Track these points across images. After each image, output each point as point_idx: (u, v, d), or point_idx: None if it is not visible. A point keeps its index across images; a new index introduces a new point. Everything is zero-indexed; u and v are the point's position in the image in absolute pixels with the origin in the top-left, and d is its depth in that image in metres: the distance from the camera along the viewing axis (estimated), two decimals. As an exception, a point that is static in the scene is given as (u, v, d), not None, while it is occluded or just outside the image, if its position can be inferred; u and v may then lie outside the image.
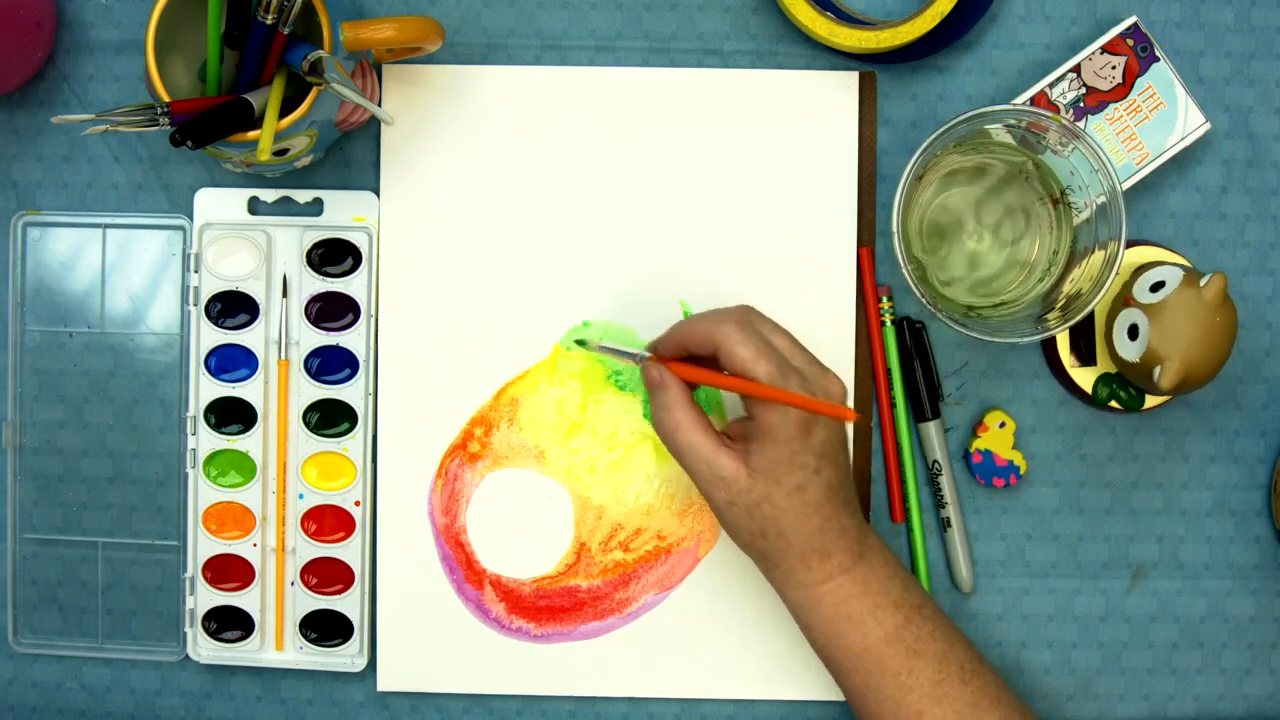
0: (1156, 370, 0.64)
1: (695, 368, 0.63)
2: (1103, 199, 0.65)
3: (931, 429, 0.71)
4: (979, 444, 0.71)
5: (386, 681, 0.72)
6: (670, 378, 0.63)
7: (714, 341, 0.62)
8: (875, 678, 0.63)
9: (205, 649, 0.71)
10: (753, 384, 0.60)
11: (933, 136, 0.64)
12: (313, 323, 0.71)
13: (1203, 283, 0.64)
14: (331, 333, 0.71)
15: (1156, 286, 0.65)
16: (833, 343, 0.71)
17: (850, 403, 0.66)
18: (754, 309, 0.64)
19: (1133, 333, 0.65)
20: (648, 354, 0.65)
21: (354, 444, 0.71)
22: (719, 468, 0.61)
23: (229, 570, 0.71)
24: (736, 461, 0.61)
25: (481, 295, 0.71)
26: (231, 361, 0.71)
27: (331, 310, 0.71)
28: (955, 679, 0.63)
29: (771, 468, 0.61)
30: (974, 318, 0.68)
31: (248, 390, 0.71)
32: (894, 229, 0.64)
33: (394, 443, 0.71)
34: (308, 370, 0.71)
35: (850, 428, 0.71)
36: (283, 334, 0.71)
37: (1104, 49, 0.69)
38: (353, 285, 0.71)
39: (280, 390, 0.71)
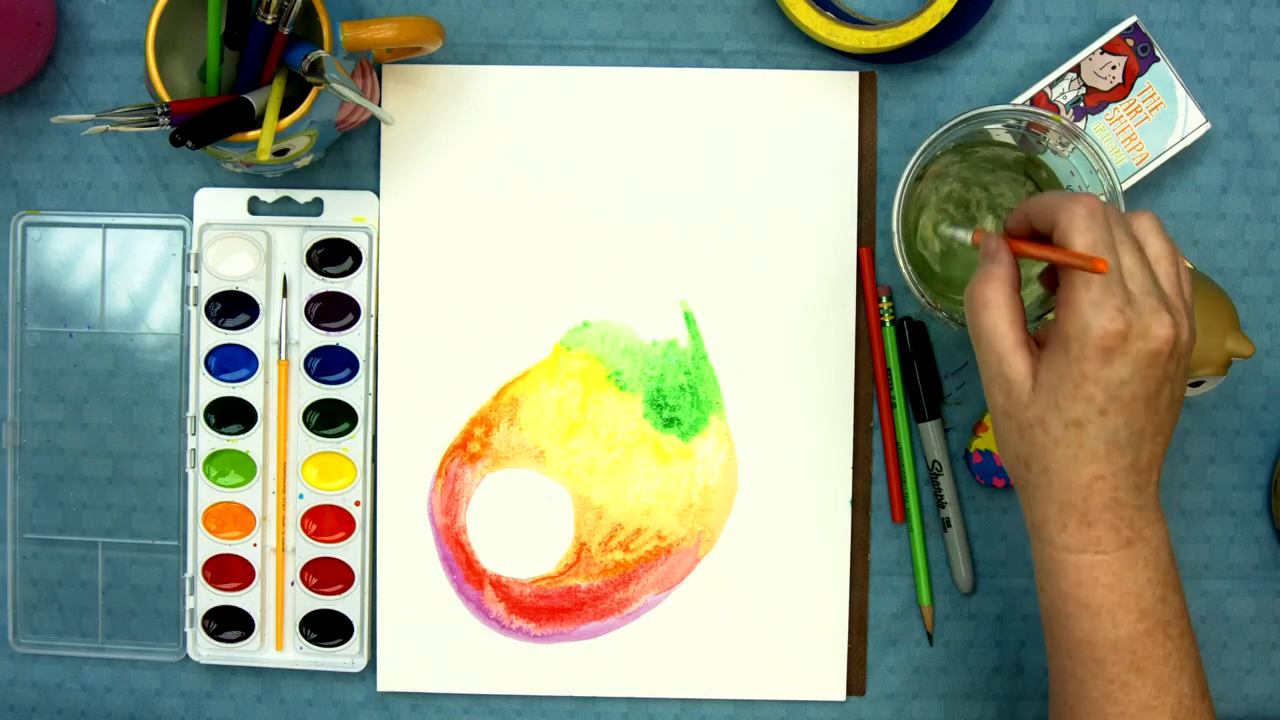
0: (1200, 373, 0.65)
1: (1027, 242, 0.56)
2: (1103, 199, 0.65)
3: (931, 429, 0.71)
4: (979, 444, 0.71)
5: (386, 681, 0.72)
6: (1005, 253, 0.57)
7: (1053, 218, 0.55)
8: (1087, 673, 0.57)
9: (205, 649, 0.71)
10: (1051, 248, 0.54)
11: (933, 136, 0.64)
12: (313, 323, 0.71)
13: None
14: (331, 333, 0.71)
15: None
16: (833, 343, 0.71)
17: (1014, 369, 0.56)
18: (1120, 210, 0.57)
19: None
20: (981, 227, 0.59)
21: (354, 444, 0.71)
22: (1008, 367, 0.55)
23: (229, 570, 0.71)
24: (1027, 367, 0.55)
25: (481, 295, 0.71)
26: (231, 361, 0.71)
27: (331, 310, 0.71)
28: (1167, 711, 0.56)
29: (1055, 385, 0.54)
30: (974, 318, 0.68)
31: (248, 390, 0.71)
32: (894, 229, 0.64)
33: (394, 443, 0.71)
34: (308, 370, 0.71)
35: (851, 428, 0.71)
36: (283, 334, 0.71)
37: (1104, 49, 0.69)
38: (353, 285, 0.71)
39: (280, 390, 0.71)
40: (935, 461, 0.71)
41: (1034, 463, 0.56)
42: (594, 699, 0.72)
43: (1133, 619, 0.56)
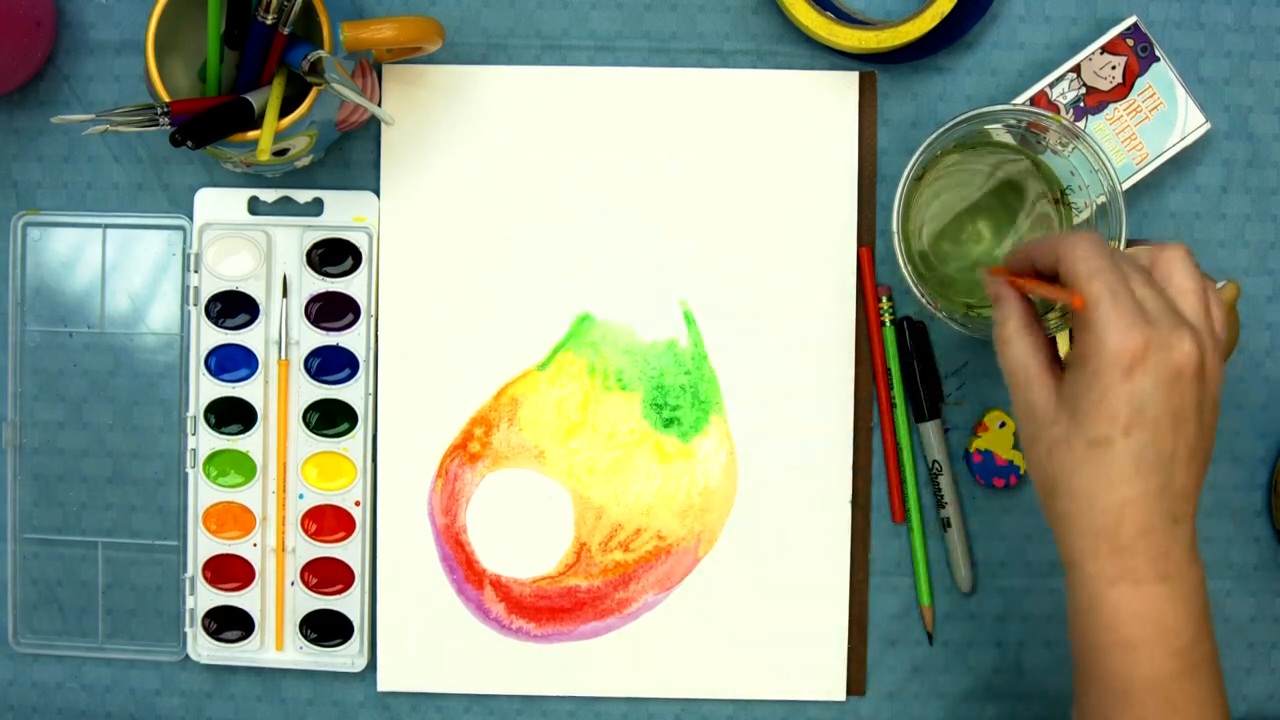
0: None
1: (1026, 278, 0.58)
2: (1103, 199, 0.65)
3: (931, 429, 0.71)
4: (979, 444, 0.71)
5: (386, 681, 0.72)
6: (1006, 291, 0.58)
7: (1056, 253, 0.55)
8: (1114, 709, 0.55)
9: (205, 649, 0.71)
10: (1041, 283, 0.55)
11: (933, 136, 0.64)
12: (313, 323, 0.71)
13: (1220, 286, 0.64)
14: (331, 333, 0.71)
15: None
16: (833, 343, 0.71)
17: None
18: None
19: None
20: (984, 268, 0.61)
21: (354, 444, 0.71)
22: (1032, 392, 0.55)
23: (229, 570, 0.71)
24: (1050, 390, 0.55)
25: (481, 295, 0.71)
26: (231, 361, 0.71)
27: (331, 310, 0.71)
28: None
29: (1076, 403, 0.53)
30: (974, 318, 0.68)
31: (248, 390, 0.71)
32: (894, 229, 0.64)
33: (394, 443, 0.71)
34: (308, 370, 0.71)
35: (851, 428, 0.71)
36: (283, 334, 0.71)
37: (1104, 49, 0.69)
38: (353, 285, 0.71)
39: (280, 390, 0.71)
40: (935, 461, 0.71)
41: (1060, 485, 0.54)
42: (594, 699, 0.72)
43: (1166, 657, 0.54)
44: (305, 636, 0.71)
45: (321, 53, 0.60)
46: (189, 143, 0.59)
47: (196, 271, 0.71)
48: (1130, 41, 0.69)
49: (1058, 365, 0.56)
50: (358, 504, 0.71)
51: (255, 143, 0.61)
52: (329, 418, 0.71)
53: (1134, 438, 0.53)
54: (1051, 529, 0.57)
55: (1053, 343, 0.58)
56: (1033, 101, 0.69)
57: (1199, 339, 0.53)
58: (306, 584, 0.71)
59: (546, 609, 0.72)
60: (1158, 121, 0.69)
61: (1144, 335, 0.52)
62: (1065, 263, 0.54)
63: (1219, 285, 0.64)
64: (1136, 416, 0.52)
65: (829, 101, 0.71)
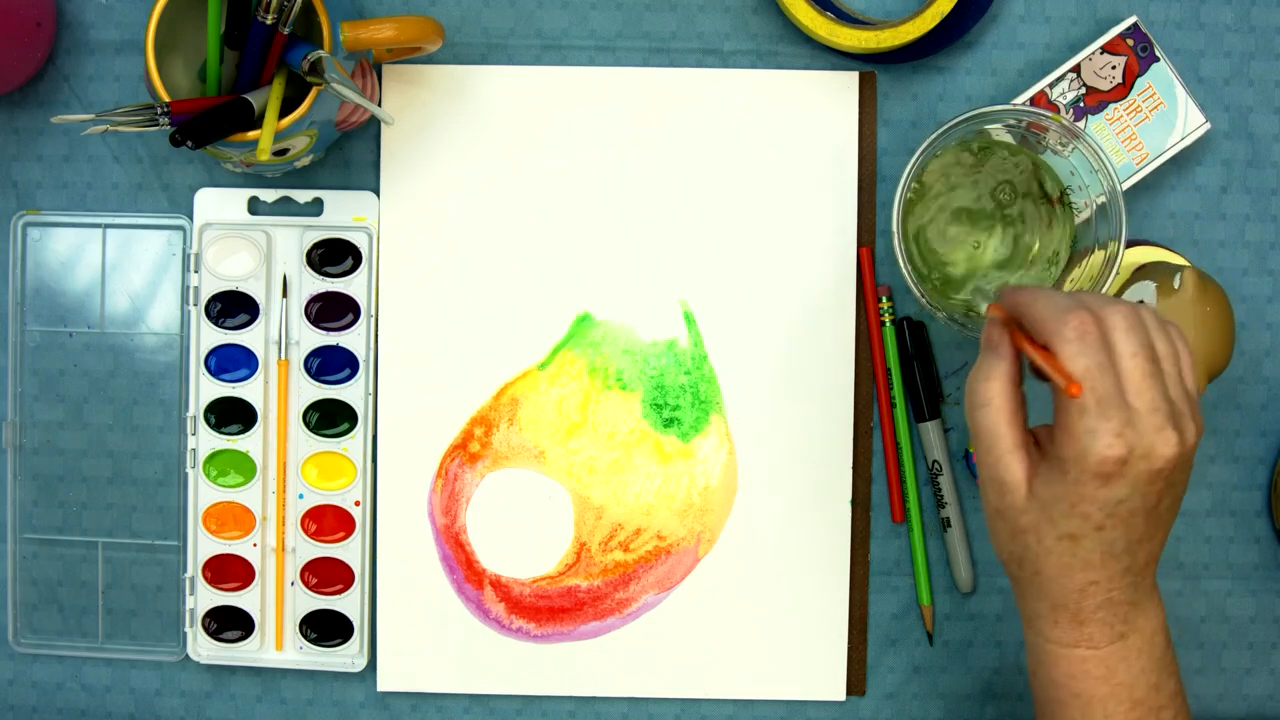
0: None
1: (1033, 345, 0.53)
2: (1103, 199, 0.65)
3: (931, 429, 0.71)
4: (979, 444, 0.71)
5: (386, 681, 0.72)
6: (1007, 347, 0.54)
7: (1044, 336, 0.53)
8: None
9: (205, 649, 0.71)
10: (1045, 355, 0.52)
11: (933, 136, 0.64)
12: (313, 323, 0.71)
13: (1176, 284, 0.64)
14: (331, 333, 0.71)
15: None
16: (833, 343, 0.71)
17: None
18: (1128, 309, 0.53)
19: None
20: (994, 301, 0.57)
21: (354, 444, 0.71)
22: (1004, 469, 0.53)
23: (229, 570, 0.71)
24: (1024, 473, 0.53)
25: (482, 295, 0.71)
26: (231, 361, 0.71)
27: (331, 310, 0.71)
28: None
29: (1051, 501, 0.52)
30: (974, 318, 0.68)
31: (248, 390, 0.71)
32: (894, 229, 0.64)
33: (394, 443, 0.71)
34: (308, 370, 0.71)
35: (851, 428, 0.71)
36: (283, 334, 0.71)
37: (1104, 49, 0.69)
38: (353, 285, 0.71)
39: (280, 390, 0.71)
40: (935, 461, 0.71)
41: (1025, 565, 0.55)
42: (594, 699, 0.72)
43: (1126, 709, 0.55)
44: (305, 636, 0.71)
45: (321, 53, 0.60)
46: (189, 143, 0.59)
47: (196, 271, 0.71)
48: (1130, 41, 0.69)
49: (1030, 436, 0.55)
50: (358, 504, 0.71)
51: (255, 143, 0.61)
52: (329, 418, 0.71)
53: (1106, 533, 0.52)
54: (1007, 574, 0.57)
55: (1024, 404, 0.55)
56: (1033, 101, 0.69)
57: (1182, 431, 0.52)
58: (306, 584, 0.71)
59: (546, 609, 0.72)
60: (1158, 121, 0.69)
61: (1127, 446, 0.51)
62: (1054, 346, 0.52)
63: (1176, 282, 0.64)
64: (1110, 517, 0.52)
65: (829, 101, 0.71)
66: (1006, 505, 0.54)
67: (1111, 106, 0.69)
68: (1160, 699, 0.56)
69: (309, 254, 0.71)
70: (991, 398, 0.54)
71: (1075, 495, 0.52)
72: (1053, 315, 0.53)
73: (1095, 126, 0.69)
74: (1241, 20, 0.71)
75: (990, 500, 0.55)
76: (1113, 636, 0.55)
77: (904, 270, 0.64)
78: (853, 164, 0.71)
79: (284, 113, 0.62)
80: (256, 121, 0.62)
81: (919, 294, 0.65)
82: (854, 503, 0.71)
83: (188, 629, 0.72)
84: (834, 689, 0.72)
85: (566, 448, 0.71)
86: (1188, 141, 0.69)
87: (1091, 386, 0.51)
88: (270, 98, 0.62)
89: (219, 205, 0.71)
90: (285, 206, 0.71)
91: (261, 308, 0.71)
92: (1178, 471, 0.53)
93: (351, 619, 0.71)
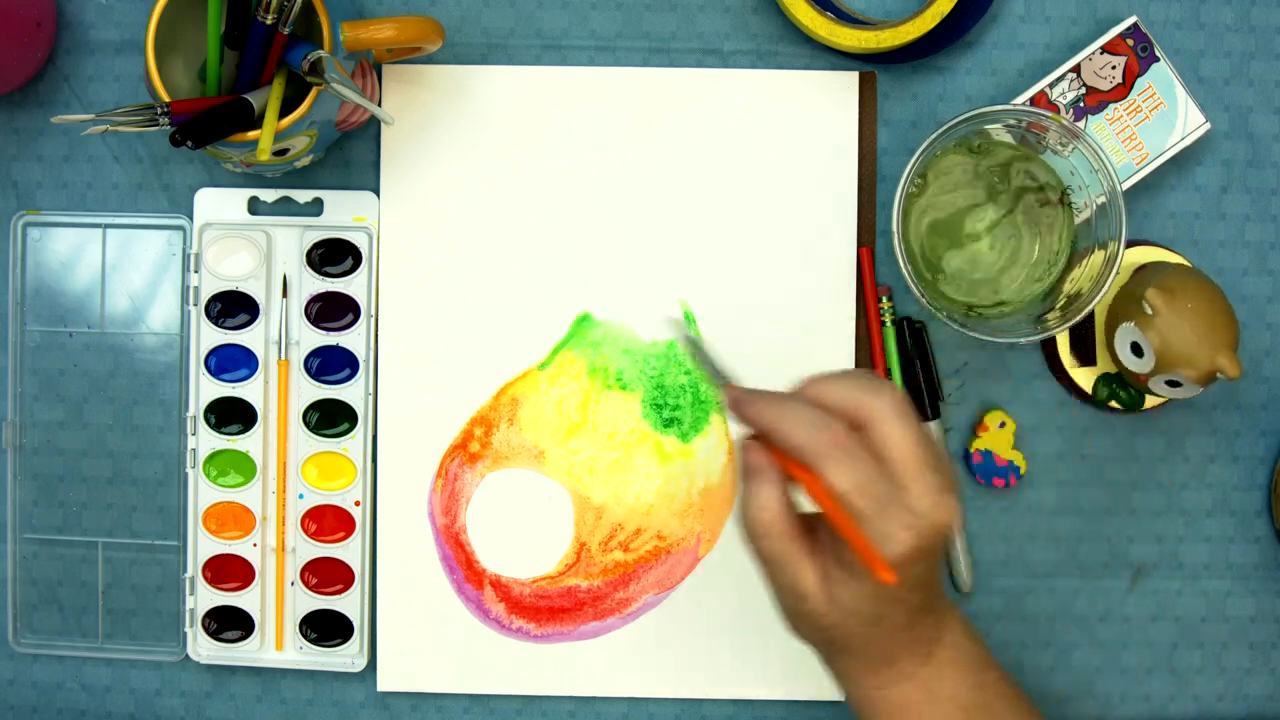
0: (1180, 374, 0.64)
1: (803, 470, 0.52)
2: (1103, 199, 0.65)
3: (931, 429, 0.71)
4: (979, 444, 0.71)
5: (386, 681, 0.72)
6: (773, 472, 0.53)
7: (808, 455, 0.52)
8: None
9: (205, 649, 0.71)
10: (847, 524, 0.52)
11: (933, 136, 0.64)
12: (313, 323, 0.71)
13: (1148, 310, 0.64)
14: (331, 333, 0.71)
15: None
16: (833, 343, 0.71)
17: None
18: (892, 396, 0.53)
19: (1136, 349, 0.65)
20: (734, 390, 0.56)
21: (354, 444, 0.71)
22: (799, 582, 0.54)
23: (229, 570, 0.71)
24: (819, 580, 0.53)
25: (482, 295, 0.71)
26: (231, 361, 0.71)
27: (331, 310, 0.71)
28: None
29: (854, 604, 0.53)
30: (974, 318, 0.68)
31: (248, 390, 0.71)
32: (894, 229, 0.64)
33: (394, 443, 0.71)
34: (308, 370, 0.71)
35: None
36: (283, 334, 0.71)
37: (1104, 49, 0.69)
38: (353, 285, 0.71)
39: (280, 390, 0.71)
40: (935, 461, 0.71)
41: (834, 645, 0.56)
42: (594, 699, 0.72)
43: (959, 717, 0.57)
44: (305, 636, 0.71)
45: (321, 53, 0.60)
46: (189, 143, 0.59)
47: (196, 271, 0.71)
48: (1130, 41, 0.69)
49: (811, 535, 0.54)
50: (358, 504, 0.71)
51: (255, 143, 0.61)
52: (329, 418, 0.71)
53: (907, 600, 0.54)
54: (810, 648, 0.58)
55: (794, 506, 0.54)
56: (1033, 101, 0.69)
57: (955, 494, 0.52)
58: (306, 584, 0.71)
59: (546, 609, 0.72)
60: (1158, 121, 0.69)
61: (916, 533, 0.51)
62: (817, 467, 0.51)
63: (1146, 308, 0.64)
64: (911, 590, 0.54)
65: (829, 101, 0.71)
66: (808, 611, 0.54)
67: (1111, 106, 0.69)
68: (986, 697, 0.58)
69: (309, 254, 0.71)
70: (770, 526, 0.53)
71: (877, 592, 0.53)
72: (807, 437, 0.52)
73: (1095, 126, 0.69)
74: (1241, 20, 0.71)
75: (788, 605, 0.55)
76: (921, 660, 0.56)
77: (904, 270, 0.64)
78: (853, 164, 0.71)
79: (284, 113, 0.62)
80: (256, 121, 0.62)
81: (919, 294, 0.65)
82: (854, 503, 0.71)
83: (188, 629, 0.72)
84: (834, 689, 0.72)
85: (566, 448, 0.71)
86: (1188, 141, 0.69)
87: (872, 495, 0.51)
88: (270, 98, 0.62)
89: (219, 205, 0.71)
90: (285, 206, 0.71)
91: (261, 308, 0.71)
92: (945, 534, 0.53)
93: (351, 619, 0.71)
